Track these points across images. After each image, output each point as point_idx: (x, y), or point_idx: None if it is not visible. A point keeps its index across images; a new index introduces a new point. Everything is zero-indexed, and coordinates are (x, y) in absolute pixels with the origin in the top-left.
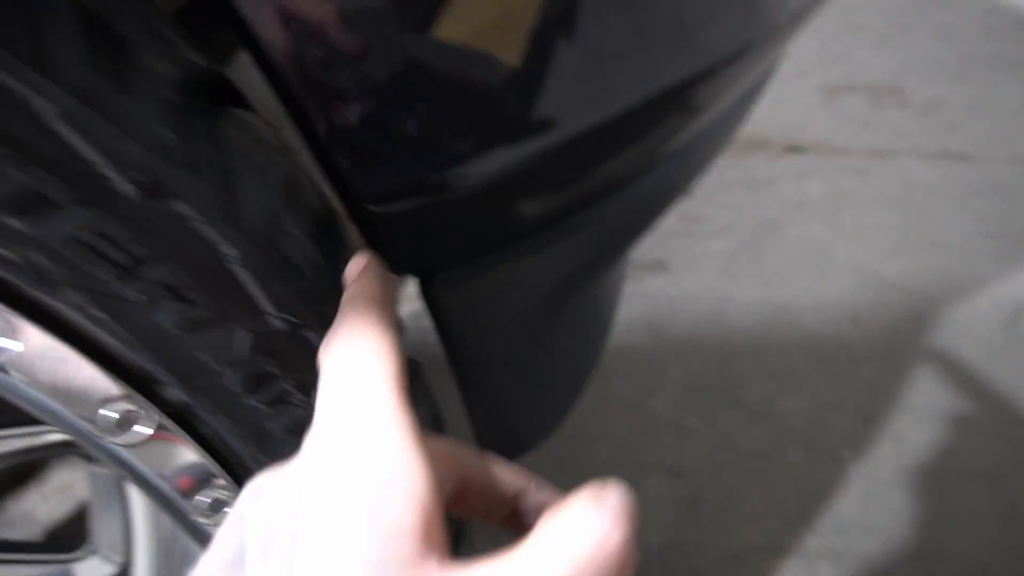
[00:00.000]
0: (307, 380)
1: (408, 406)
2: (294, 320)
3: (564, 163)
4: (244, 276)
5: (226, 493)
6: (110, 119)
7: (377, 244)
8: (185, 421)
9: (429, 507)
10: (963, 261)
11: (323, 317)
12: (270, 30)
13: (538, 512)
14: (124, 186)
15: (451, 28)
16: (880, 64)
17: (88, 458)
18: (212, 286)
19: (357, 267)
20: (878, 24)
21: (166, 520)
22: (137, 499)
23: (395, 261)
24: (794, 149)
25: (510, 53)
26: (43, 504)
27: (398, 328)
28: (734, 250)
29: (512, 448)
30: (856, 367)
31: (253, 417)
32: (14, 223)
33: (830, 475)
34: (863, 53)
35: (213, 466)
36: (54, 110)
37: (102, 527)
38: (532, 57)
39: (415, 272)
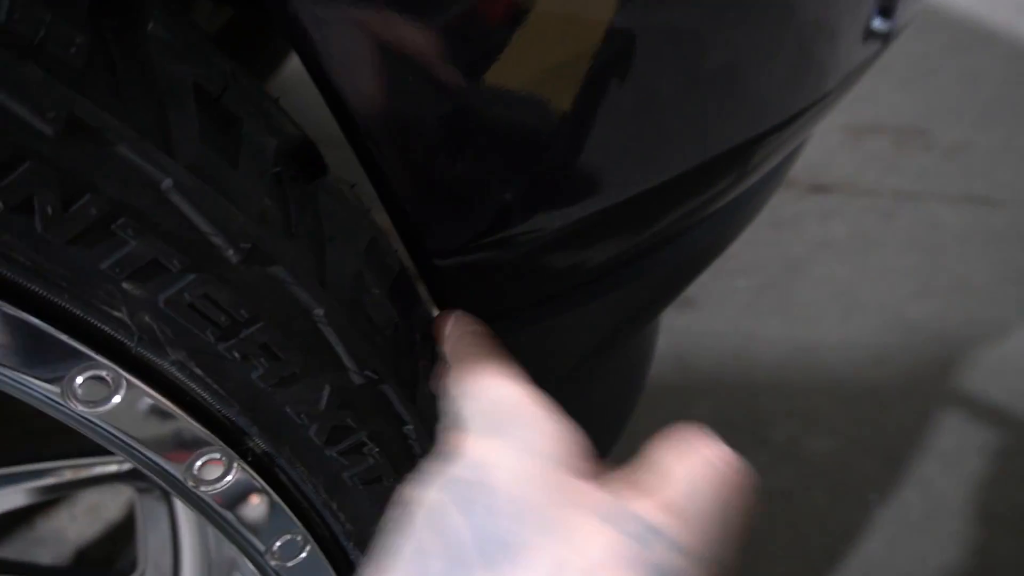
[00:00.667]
0: (380, 431)
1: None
2: (373, 375)
3: (623, 219)
4: (330, 334)
5: (300, 538)
6: (220, 191)
7: (442, 295)
8: (266, 470)
9: (578, 447)
10: (989, 305)
11: (397, 372)
12: (356, 93)
13: None
14: (229, 252)
15: (522, 94)
16: (905, 106)
17: (139, 486)
18: (302, 344)
19: (449, 318)
20: (902, 66)
21: (213, 544)
22: (186, 525)
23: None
24: (819, 189)
25: (582, 120)
26: (73, 524)
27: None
28: (759, 288)
29: None
30: (881, 409)
31: (329, 467)
32: (129, 287)
33: (856, 518)
34: (888, 95)
35: (289, 513)
36: (171, 183)
37: (150, 552)
38: (603, 121)
39: None
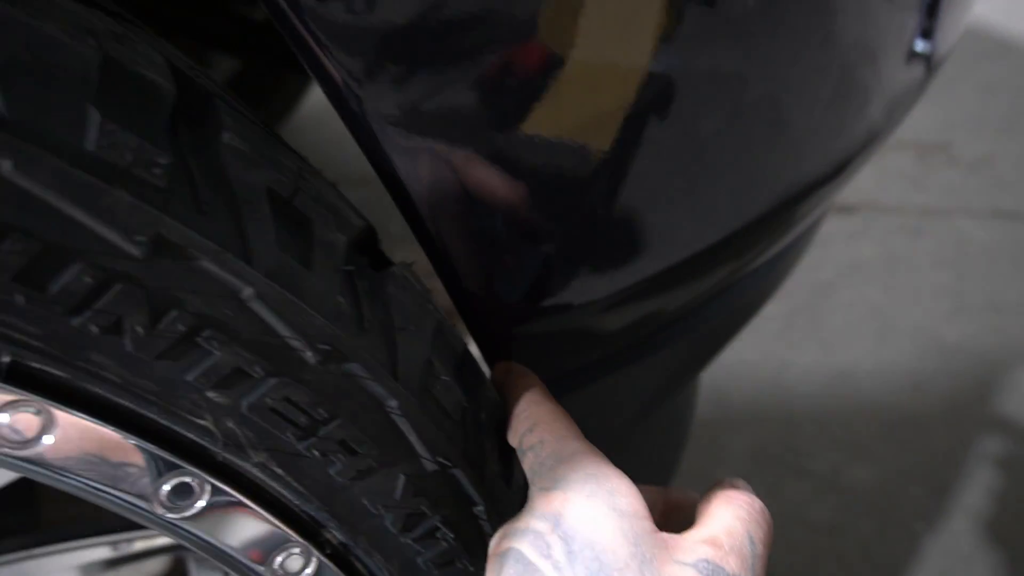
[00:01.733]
0: (452, 516)
1: (603, 455)
2: (444, 461)
3: (675, 281)
4: (403, 425)
5: None
6: (297, 295)
7: (496, 362)
8: (343, 560)
9: (643, 501)
10: None
11: (468, 456)
12: (421, 187)
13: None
14: (307, 354)
15: (576, 172)
16: (926, 120)
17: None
18: (377, 437)
19: (506, 368)
20: None
21: None
22: None
23: None
24: (844, 209)
25: (634, 194)
26: None
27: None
28: (790, 314)
29: None
30: (923, 435)
31: (404, 553)
32: (213, 395)
33: (904, 550)
34: None
35: None
36: (252, 292)
37: None
38: (657, 191)
39: None
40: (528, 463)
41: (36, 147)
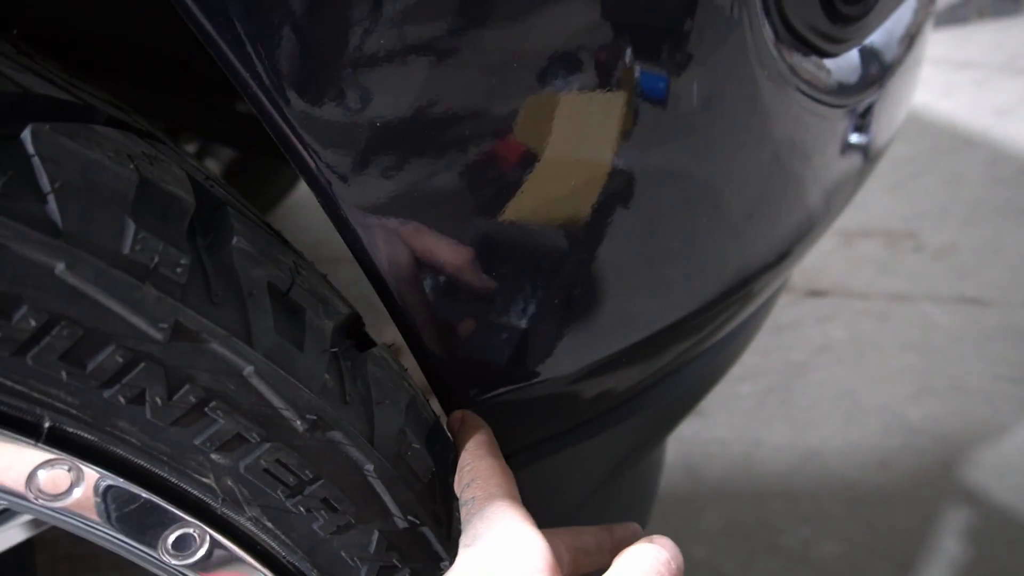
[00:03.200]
0: (420, 569)
1: (525, 511)
2: (414, 520)
3: (639, 355)
4: (378, 486)
5: None
6: (290, 372)
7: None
8: None
9: (552, 560)
10: (986, 405)
11: (435, 515)
12: (392, 273)
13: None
14: (297, 423)
15: (537, 253)
16: (893, 210)
17: None
18: (355, 496)
19: (460, 416)
20: (889, 171)
21: None
22: None
23: None
24: (815, 293)
25: (599, 274)
26: None
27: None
28: (763, 393)
29: None
30: (888, 512)
31: None
32: (216, 457)
33: None
34: (876, 199)
35: None
36: (253, 370)
37: None
38: (620, 271)
39: None
40: (462, 516)
41: (84, 252)
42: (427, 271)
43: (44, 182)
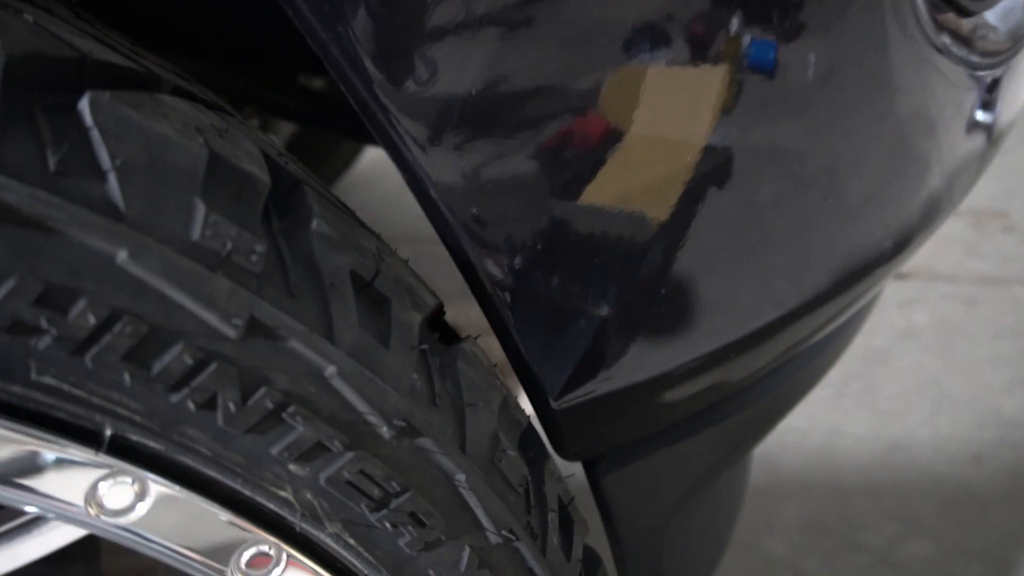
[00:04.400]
0: None
1: None
2: (509, 534)
3: (733, 356)
4: (470, 498)
5: None
6: (375, 372)
7: (555, 433)
8: None
9: None
10: None
11: (531, 529)
12: (487, 263)
13: None
14: (383, 429)
15: (635, 245)
16: (982, 188)
17: None
18: (445, 510)
19: None
20: None
21: None
22: None
23: (568, 448)
24: (899, 275)
25: (694, 266)
26: None
27: None
28: (843, 381)
29: None
30: (982, 511)
31: None
32: (294, 468)
33: None
34: None
35: None
36: (335, 371)
37: None
38: (719, 265)
39: (584, 457)
40: None
41: (148, 238)
42: (522, 257)
43: (104, 158)
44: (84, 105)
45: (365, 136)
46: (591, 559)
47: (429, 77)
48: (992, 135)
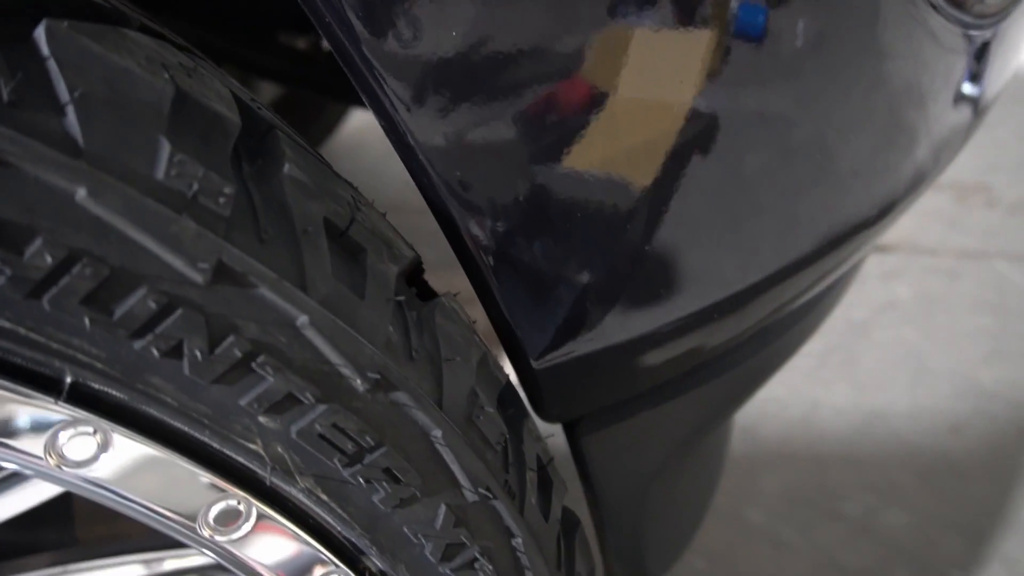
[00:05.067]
0: (490, 547)
1: None
2: (486, 492)
3: (714, 317)
4: (447, 454)
5: None
6: (350, 323)
7: (535, 394)
8: None
9: None
10: None
11: (508, 487)
12: (466, 216)
13: None
14: (357, 382)
15: (612, 201)
16: (964, 162)
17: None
18: (421, 466)
19: None
20: None
21: None
22: None
23: (548, 409)
24: (881, 248)
25: (671, 224)
26: None
27: None
28: (824, 353)
29: None
30: (960, 481)
31: None
32: (264, 420)
33: None
34: None
35: None
36: (307, 320)
37: None
38: (696, 222)
39: (565, 419)
40: None
41: (109, 176)
42: (505, 219)
43: (62, 90)
44: (40, 33)
45: (349, 97)
46: (570, 520)
47: (416, 36)
48: (979, 103)
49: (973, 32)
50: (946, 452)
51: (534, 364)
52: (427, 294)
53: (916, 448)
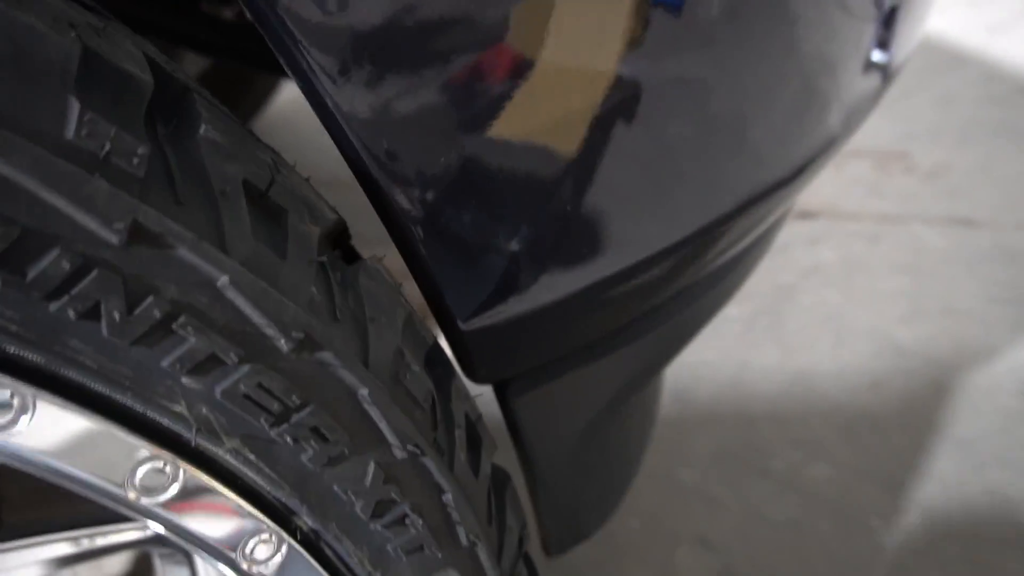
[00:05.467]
0: (421, 503)
1: None
2: (414, 449)
3: (639, 278)
4: (374, 412)
5: None
6: (271, 284)
7: (465, 357)
8: (313, 546)
9: None
10: (978, 327)
11: (437, 444)
12: (387, 175)
13: None
14: (281, 342)
15: (531, 155)
16: (884, 130)
17: (160, 552)
18: (348, 424)
19: None
20: None
21: None
22: None
23: (477, 371)
24: (805, 215)
25: (592, 182)
26: None
27: None
28: (752, 316)
29: (574, 537)
30: (880, 435)
31: (374, 540)
32: (187, 381)
33: (862, 546)
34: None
35: None
36: (227, 280)
37: None
38: (614, 181)
39: (494, 380)
40: None
41: (16, 135)
42: (431, 184)
43: None
44: None
45: (279, 69)
46: (499, 476)
47: (338, 4)
48: (886, 72)
49: None
50: (866, 408)
51: (462, 327)
52: (352, 257)
53: (838, 405)
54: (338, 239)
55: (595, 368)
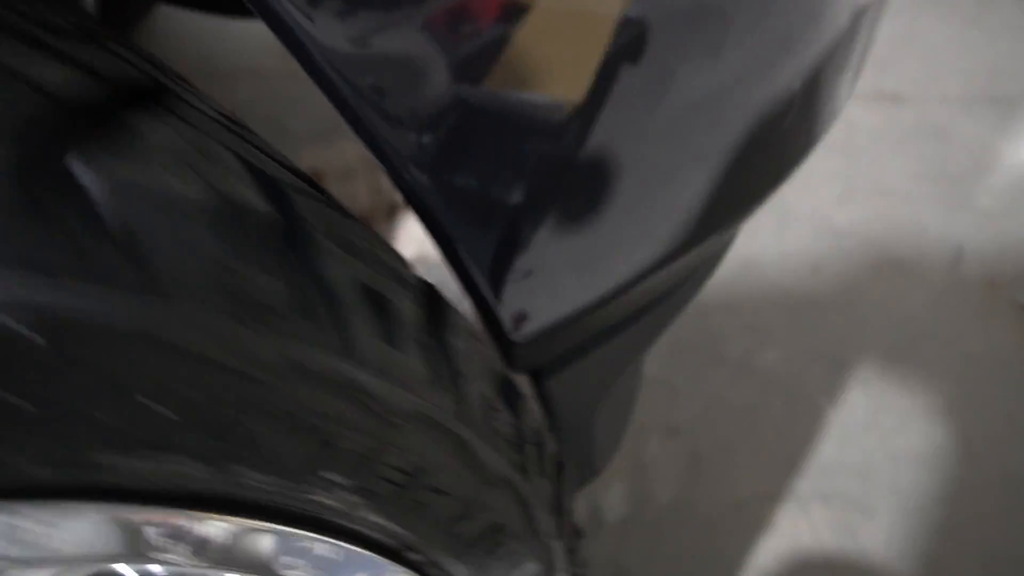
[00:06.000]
0: (510, 518)
1: None
2: (507, 478)
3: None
4: (481, 452)
5: None
6: (389, 380)
7: (509, 357)
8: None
9: None
10: (907, 205)
11: (523, 469)
12: (454, 219)
13: None
14: (399, 420)
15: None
16: None
17: None
18: (455, 474)
19: None
20: None
21: None
22: None
23: (518, 365)
24: None
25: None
26: None
27: None
28: None
29: (591, 474)
30: (822, 316)
31: (476, 556)
32: (336, 478)
33: (810, 422)
34: None
35: None
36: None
37: None
38: (650, 207)
39: (534, 368)
40: None
41: None
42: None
43: None
44: None
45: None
46: (559, 469)
47: None
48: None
49: None
50: (810, 290)
51: (514, 338)
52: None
53: (784, 289)
54: (435, 307)
55: (612, 345)
